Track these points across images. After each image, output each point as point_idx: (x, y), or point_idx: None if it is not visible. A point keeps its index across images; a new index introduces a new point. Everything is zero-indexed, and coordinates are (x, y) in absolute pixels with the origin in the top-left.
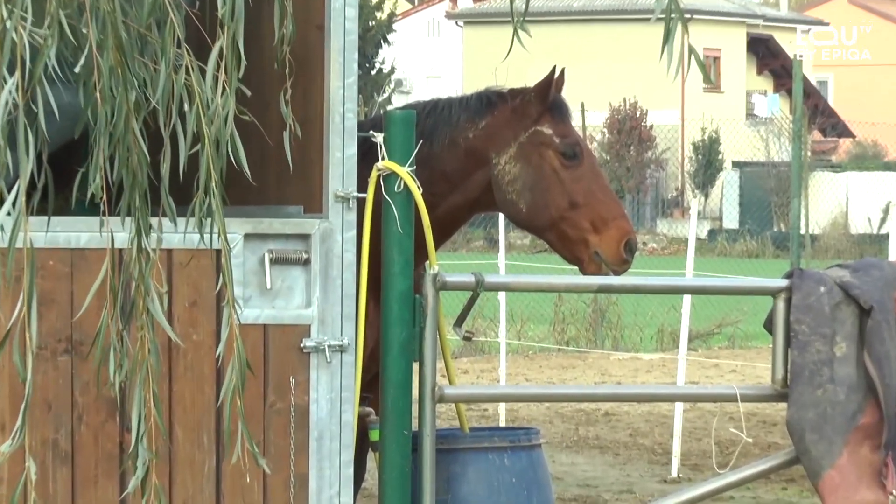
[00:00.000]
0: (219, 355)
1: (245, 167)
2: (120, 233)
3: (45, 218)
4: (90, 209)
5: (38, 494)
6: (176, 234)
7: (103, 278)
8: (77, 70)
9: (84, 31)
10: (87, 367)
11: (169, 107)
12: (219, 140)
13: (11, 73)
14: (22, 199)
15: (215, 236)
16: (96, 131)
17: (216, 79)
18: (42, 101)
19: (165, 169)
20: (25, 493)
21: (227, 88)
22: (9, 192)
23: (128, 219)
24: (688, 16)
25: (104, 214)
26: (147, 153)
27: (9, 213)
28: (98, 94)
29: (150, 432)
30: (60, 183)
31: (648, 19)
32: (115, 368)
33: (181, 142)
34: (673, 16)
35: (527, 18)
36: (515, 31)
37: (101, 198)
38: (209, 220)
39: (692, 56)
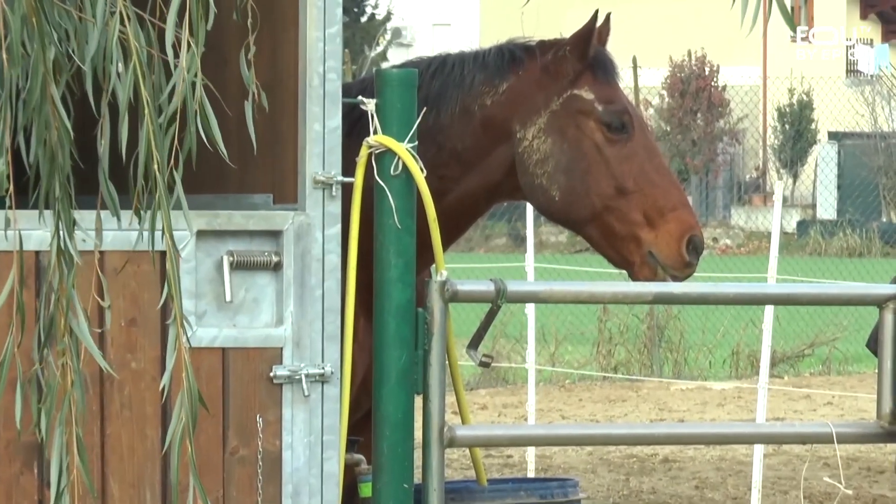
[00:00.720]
0: (164, 388)
1: (220, 145)
2: (36, 230)
3: None
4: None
5: None
6: (109, 231)
7: (10, 290)
8: None
9: None
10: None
11: (105, 67)
12: (183, 113)
13: None
14: None
15: (158, 234)
16: (2, 99)
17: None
18: None
19: (104, 146)
20: None
21: (191, 45)
22: None
23: (46, 212)
24: None
25: (10, 208)
26: (70, 128)
27: None
28: (5, 53)
29: (74, 487)
30: None
31: None
32: (33, 406)
33: (121, 112)
34: None
35: None
36: None
37: (8, 187)
38: (149, 213)
39: (779, 3)
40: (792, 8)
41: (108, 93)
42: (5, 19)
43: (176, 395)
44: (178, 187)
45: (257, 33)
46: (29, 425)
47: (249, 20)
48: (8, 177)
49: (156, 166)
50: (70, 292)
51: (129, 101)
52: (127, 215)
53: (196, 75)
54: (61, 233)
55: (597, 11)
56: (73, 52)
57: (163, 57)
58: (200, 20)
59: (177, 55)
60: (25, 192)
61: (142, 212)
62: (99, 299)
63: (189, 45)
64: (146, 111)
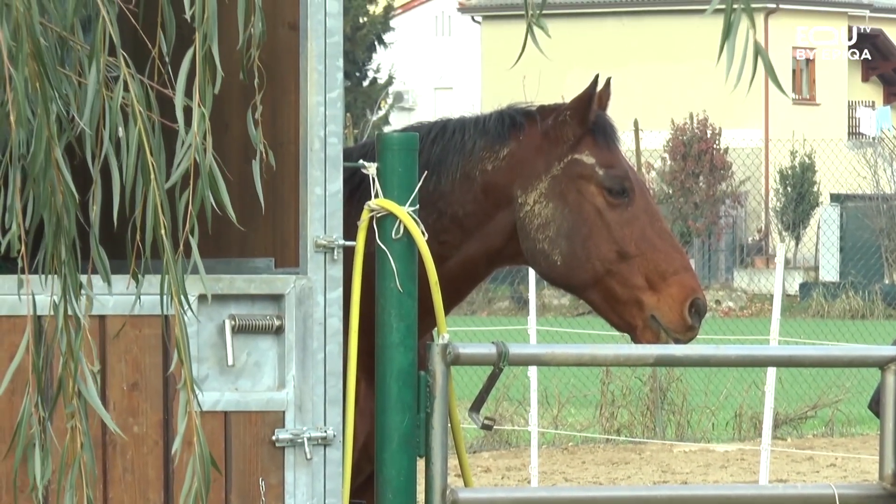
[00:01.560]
0: (176, 451)
1: (228, 208)
2: (38, 295)
3: None
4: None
5: None
6: (111, 296)
7: (24, 353)
8: None
9: None
10: (4, 469)
11: (99, 131)
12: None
13: None
14: None
15: (167, 298)
16: (4, 163)
17: (169, 97)
18: None
19: (95, 212)
20: None
21: (202, 109)
22: None
23: (50, 276)
24: (771, 5)
25: (23, 271)
26: (75, 191)
27: None
28: (10, 115)
29: None
30: None
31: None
32: (40, 469)
33: (115, 177)
34: (735, 6)
35: (564, 11)
36: (529, 29)
37: (20, 250)
38: (159, 278)
39: (758, 57)
40: (794, 71)
41: (101, 158)
42: (11, 82)
43: (183, 459)
44: (195, 252)
45: (265, 96)
46: (27, 489)
47: (256, 80)
48: (20, 238)
49: (163, 231)
50: (78, 355)
51: (121, 166)
52: (125, 280)
53: (206, 139)
54: (68, 297)
55: (597, 76)
56: (74, 114)
57: (163, 122)
58: (208, 84)
59: (186, 121)
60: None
61: (140, 276)
62: (88, 365)
63: (198, 109)
64: (151, 175)
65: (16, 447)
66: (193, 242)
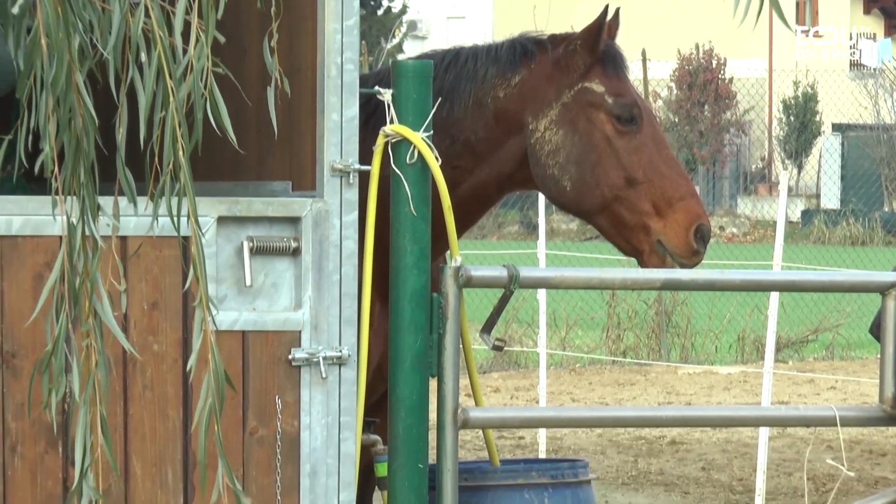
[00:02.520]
0: (190, 369)
1: (230, 132)
2: (58, 216)
3: None
4: (20, 186)
5: None
6: (132, 217)
7: (60, 272)
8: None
9: None
10: (22, 386)
11: (125, 56)
12: (193, 99)
13: None
14: None
15: (185, 219)
16: (25, 86)
17: (187, 23)
18: None
19: (121, 134)
20: None
21: (201, 34)
22: None
23: (70, 198)
24: None
25: (56, 192)
26: (95, 115)
27: None
28: (31, 42)
29: (98, 466)
30: None
31: None
32: (51, 387)
33: (141, 101)
34: None
35: None
36: None
37: (52, 170)
38: (175, 199)
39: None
40: (797, 4)
41: (127, 83)
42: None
43: (199, 376)
44: (186, 169)
45: (283, 24)
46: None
47: (273, 8)
48: (53, 160)
49: (181, 153)
50: (94, 276)
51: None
52: (144, 201)
53: (205, 62)
54: (86, 217)
55: (607, 6)
56: (96, 41)
57: (185, 47)
58: (211, 8)
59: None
60: (40, 178)
61: (157, 198)
62: (115, 283)
63: (199, 35)
64: (171, 99)
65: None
66: (187, 165)
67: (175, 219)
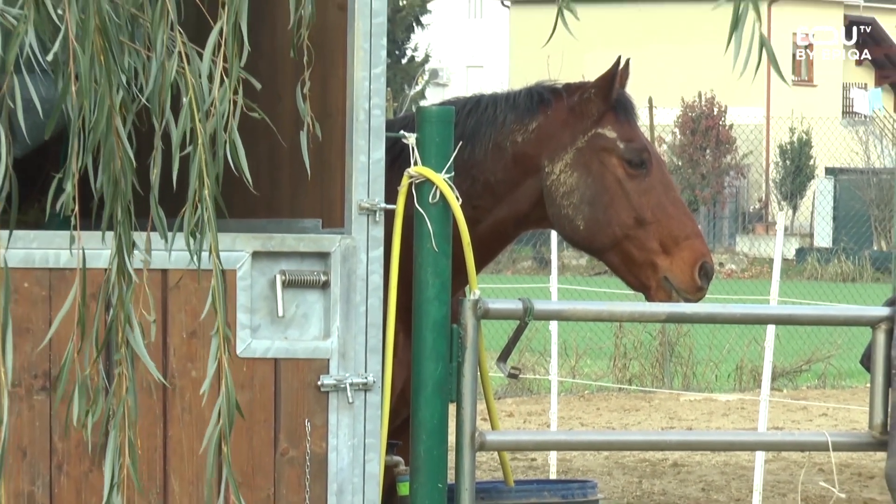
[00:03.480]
0: (203, 393)
1: (245, 172)
2: (104, 250)
3: (19, 232)
4: (67, 222)
5: None
6: (174, 252)
7: (73, 302)
8: (50, 57)
9: (61, 12)
10: (66, 409)
11: (161, 102)
12: (217, 140)
13: None
14: None
15: (205, 254)
16: (73, 130)
17: (213, 65)
18: (12, 94)
19: (155, 175)
20: None
21: (226, 78)
22: None
23: (109, 234)
24: None
25: (75, 228)
26: (133, 157)
27: None
28: (74, 88)
29: (123, 486)
30: (36, 191)
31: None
32: (89, 409)
33: (174, 142)
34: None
35: None
36: (560, 12)
37: (73, 209)
38: (200, 235)
39: (763, 49)
40: (793, 55)
41: (162, 126)
42: (77, 56)
43: (213, 398)
44: (209, 206)
45: (314, 71)
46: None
47: (305, 58)
48: (74, 198)
49: (206, 191)
50: (128, 307)
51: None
52: (179, 237)
53: (228, 106)
54: (122, 254)
55: (619, 58)
56: (142, 87)
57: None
58: (236, 54)
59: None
60: (90, 214)
61: (187, 234)
62: (145, 314)
63: (223, 79)
64: (199, 141)
65: (64, 388)
66: (211, 201)
67: (196, 254)
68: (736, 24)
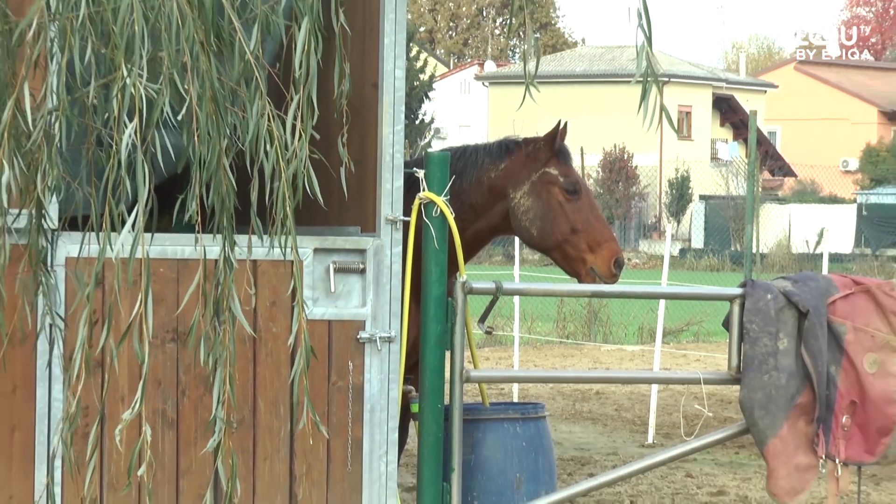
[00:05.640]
0: (290, 344)
1: (318, 196)
2: (214, 247)
3: (158, 235)
4: (190, 228)
5: (151, 453)
6: (261, 248)
7: (197, 283)
8: (180, 117)
9: (186, 87)
10: (189, 353)
11: (255, 148)
12: (295, 174)
13: (130, 119)
14: (140, 219)
15: (289, 250)
16: (195, 166)
17: (294, 126)
18: (154, 142)
19: (254, 196)
20: (141, 452)
21: (302, 134)
22: (128, 213)
23: (218, 236)
24: (664, 80)
25: (199, 232)
26: (235, 184)
27: (129, 231)
28: (196, 137)
29: (227, 405)
30: (167, 207)
31: (638, 81)
32: (207, 353)
33: (266, 175)
34: (649, 79)
35: (537, 80)
36: (527, 88)
37: (197, 220)
38: (286, 237)
39: (663, 113)
40: (678, 118)
41: (258, 165)
42: (197, 116)
43: (297, 349)
44: (291, 219)
45: (351, 126)
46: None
47: (344, 118)
48: (196, 212)
49: (287, 206)
50: (230, 285)
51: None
52: (266, 239)
53: (304, 153)
54: (227, 250)
55: (560, 121)
56: (240, 137)
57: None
58: (307, 117)
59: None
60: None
61: (273, 235)
62: (247, 288)
63: (300, 134)
64: (282, 175)
65: (192, 339)
66: (291, 215)
67: (283, 249)
68: (644, 95)
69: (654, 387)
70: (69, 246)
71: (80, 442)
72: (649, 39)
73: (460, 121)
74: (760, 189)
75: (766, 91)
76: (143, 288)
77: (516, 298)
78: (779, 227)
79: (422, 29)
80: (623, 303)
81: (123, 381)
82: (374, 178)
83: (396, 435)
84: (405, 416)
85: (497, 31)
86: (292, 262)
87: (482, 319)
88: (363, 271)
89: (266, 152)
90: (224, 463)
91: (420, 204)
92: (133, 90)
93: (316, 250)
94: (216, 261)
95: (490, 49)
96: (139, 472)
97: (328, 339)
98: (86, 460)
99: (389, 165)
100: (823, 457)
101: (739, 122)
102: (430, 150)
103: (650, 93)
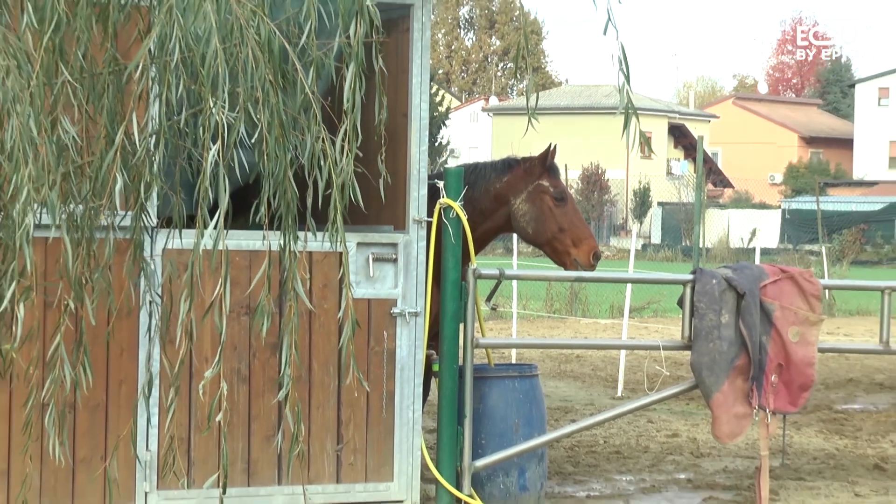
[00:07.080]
0: (339, 318)
1: (360, 202)
2: (275, 241)
3: (233, 231)
4: (259, 226)
5: (228, 403)
6: (315, 242)
7: (263, 269)
8: (253, 140)
9: (258, 116)
10: (256, 323)
11: (312, 164)
12: (343, 185)
13: (214, 141)
14: (222, 220)
15: (338, 243)
16: (264, 178)
17: (342, 147)
18: (232, 158)
19: (310, 202)
20: (220, 402)
21: (349, 153)
22: (211, 217)
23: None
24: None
25: (266, 230)
26: (296, 192)
27: (214, 229)
28: (266, 156)
29: (292, 365)
30: (242, 209)
31: (612, 113)
32: (268, 325)
33: (319, 186)
34: (630, 111)
35: (538, 112)
36: (529, 119)
37: (265, 220)
38: (336, 234)
39: (641, 136)
40: (641, 142)
41: (313, 176)
42: (266, 139)
43: (345, 321)
44: (340, 219)
45: (387, 147)
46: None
47: (382, 140)
48: (265, 214)
49: (336, 210)
50: (294, 272)
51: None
52: (325, 235)
53: (350, 169)
54: (289, 243)
55: (550, 144)
56: (298, 155)
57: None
58: (353, 140)
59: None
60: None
61: (326, 233)
62: (301, 273)
63: (347, 154)
64: (333, 185)
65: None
66: (341, 217)
67: (333, 244)
68: (626, 124)
69: (623, 352)
70: (167, 240)
71: (171, 393)
72: (628, 79)
73: (470, 143)
74: (706, 197)
75: (710, 120)
76: (222, 273)
77: (515, 282)
78: (720, 227)
79: (440, 71)
80: (598, 286)
81: (206, 346)
82: (404, 187)
83: (421, 389)
84: (428, 374)
85: (499, 73)
86: (340, 253)
87: (489, 298)
88: (395, 260)
89: (320, 167)
90: (291, 410)
91: (440, 208)
92: (216, 118)
93: (358, 244)
94: (278, 252)
95: (494, 87)
96: (217, 419)
97: (368, 314)
98: (172, 407)
99: (416, 178)
100: (756, 407)
101: (689, 144)
102: (447, 166)
103: (631, 122)
